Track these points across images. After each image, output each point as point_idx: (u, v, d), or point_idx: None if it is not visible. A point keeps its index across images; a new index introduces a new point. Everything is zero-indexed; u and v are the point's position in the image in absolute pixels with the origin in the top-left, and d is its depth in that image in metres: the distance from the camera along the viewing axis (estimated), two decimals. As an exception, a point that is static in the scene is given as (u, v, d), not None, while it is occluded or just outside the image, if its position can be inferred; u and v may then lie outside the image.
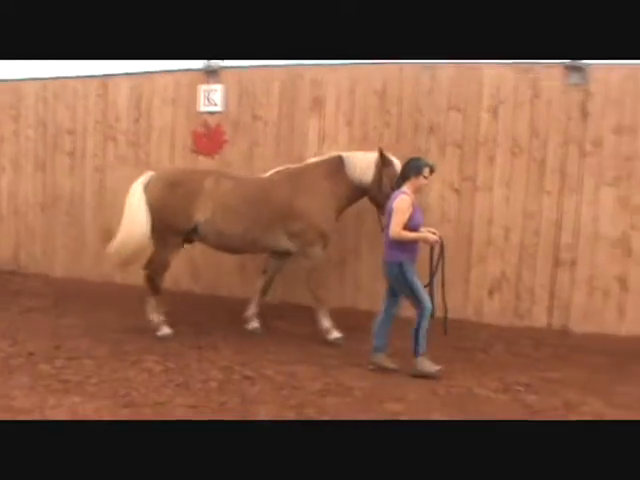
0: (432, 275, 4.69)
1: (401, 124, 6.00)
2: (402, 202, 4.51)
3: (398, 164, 5.24)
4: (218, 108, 6.64)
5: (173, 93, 6.81)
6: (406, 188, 4.63)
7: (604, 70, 5.35)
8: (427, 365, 4.55)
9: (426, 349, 4.54)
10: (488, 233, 5.82)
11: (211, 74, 6.62)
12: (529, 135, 5.66)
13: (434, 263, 4.67)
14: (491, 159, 5.78)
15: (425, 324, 4.51)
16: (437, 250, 4.68)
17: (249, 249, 5.57)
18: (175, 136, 6.82)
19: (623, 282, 5.38)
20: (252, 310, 5.71)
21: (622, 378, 4.59)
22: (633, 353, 5.09)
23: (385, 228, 4.73)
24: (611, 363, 4.92)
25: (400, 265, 4.54)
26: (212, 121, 6.64)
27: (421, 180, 4.62)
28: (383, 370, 4.66)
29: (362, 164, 5.56)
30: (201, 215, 5.35)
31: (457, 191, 5.90)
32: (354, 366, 4.74)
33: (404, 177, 4.67)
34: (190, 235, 5.44)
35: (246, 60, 5.99)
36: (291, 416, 3.71)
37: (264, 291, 5.77)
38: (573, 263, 5.55)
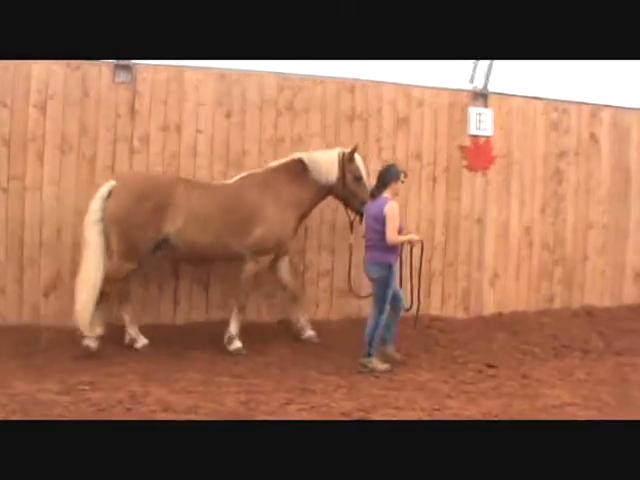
0: (419, 273, 6.73)
1: None
2: (393, 209, 6.38)
3: (360, 160, 7.03)
4: None
5: None
6: (387, 194, 6.49)
7: (151, 70, 7.20)
8: (376, 363, 6.46)
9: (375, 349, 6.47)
10: (40, 233, 6.94)
11: None
12: (79, 132, 7.05)
13: (413, 261, 6.64)
14: (40, 157, 6.95)
15: (379, 329, 6.44)
16: (419, 250, 6.70)
17: (217, 257, 6.81)
18: None
19: (175, 274, 7.33)
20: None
21: (181, 365, 6.26)
22: (187, 340, 6.95)
23: (371, 232, 6.48)
24: (169, 352, 6.62)
25: (390, 266, 6.37)
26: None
27: (398, 185, 6.65)
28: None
29: (326, 163, 6.86)
30: (171, 226, 6.33)
31: (5, 190, 6.87)
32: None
33: (385, 184, 6.52)
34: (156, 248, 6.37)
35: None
36: None
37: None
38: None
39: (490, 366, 6.76)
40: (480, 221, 8.45)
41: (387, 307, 6.47)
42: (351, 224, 7.22)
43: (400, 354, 6.92)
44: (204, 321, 7.35)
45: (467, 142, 8.44)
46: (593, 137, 9.17)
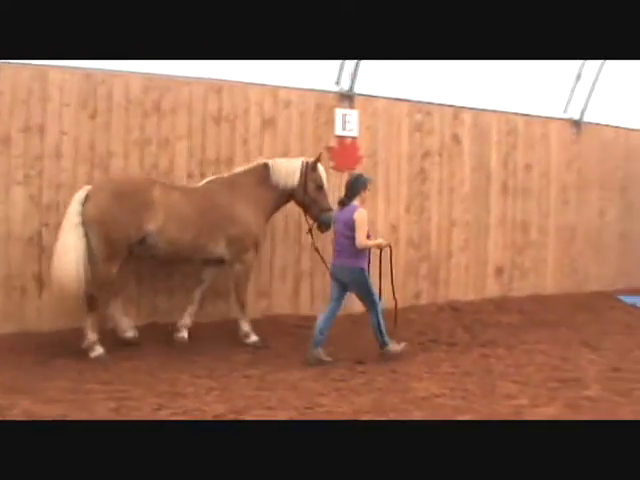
0: (391, 275, 7.69)
1: None
2: (363, 215, 7.24)
3: (322, 169, 8.00)
4: None
5: None
6: (357, 202, 7.35)
7: (13, 70, 7.38)
8: (395, 347, 7.42)
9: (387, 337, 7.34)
10: None
11: None
12: None
13: (384, 263, 7.57)
14: None
15: (381, 320, 7.32)
16: (388, 253, 7.71)
17: (195, 256, 7.60)
18: None
19: (40, 280, 7.59)
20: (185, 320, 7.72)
21: (48, 373, 6.44)
22: (55, 347, 7.17)
23: (341, 238, 7.31)
24: (35, 360, 6.84)
25: (362, 270, 7.26)
26: None
27: (365, 193, 7.51)
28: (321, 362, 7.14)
29: (287, 170, 7.84)
30: (152, 225, 7.04)
31: None
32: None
33: (354, 192, 7.39)
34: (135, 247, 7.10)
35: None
36: None
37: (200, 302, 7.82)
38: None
39: (360, 362, 7.27)
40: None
41: (376, 298, 7.39)
42: (310, 230, 8.11)
43: (272, 354, 7.52)
44: (70, 328, 7.49)
45: (334, 143, 9.17)
46: (455, 138, 10.21)
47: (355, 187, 7.46)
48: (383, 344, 7.43)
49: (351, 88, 9.25)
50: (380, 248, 7.59)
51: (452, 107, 10.26)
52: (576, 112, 11.59)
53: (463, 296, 10.31)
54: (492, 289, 10.69)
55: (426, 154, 9.98)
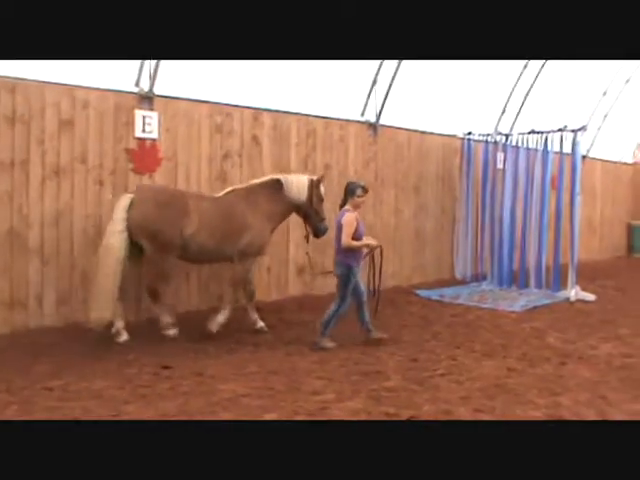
0: (379, 272, 8.95)
1: None
2: (348, 218, 8.36)
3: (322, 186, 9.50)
4: None
5: None
6: (348, 206, 8.51)
7: None
8: (326, 342, 8.48)
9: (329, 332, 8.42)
10: None
11: None
12: None
13: (376, 262, 8.94)
14: None
15: (333, 319, 8.47)
16: (378, 252, 8.99)
17: (215, 258, 9.20)
18: None
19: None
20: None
21: None
22: None
23: (336, 238, 8.49)
24: None
25: (349, 267, 8.39)
26: None
27: (356, 200, 8.56)
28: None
29: (298, 185, 9.34)
30: (189, 230, 8.50)
31: None
32: None
33: (345, 198, 8.59)
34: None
35: None
36: None
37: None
38: None
39: (165, 367, 7.45)
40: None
41: (348, 301, 8.55)
42: (307, 236, 9.63)
43: (77, 363, 7.54)
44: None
45: (133, 145, 9.60)
46: (255, 139, 11.02)
47: (346, 193, 8.72)
48: (321, 334, 8.56)
49: (151, 89, 9.69)
50: (372, 248, 8.92)
51: (252, 109, 11.04)
52: (372, 115, 12.84)
53: (266, 297, 11.10)
54: (295, 288, 11.65)
55: (226, 156, 10.68)
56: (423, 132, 14.12)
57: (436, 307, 11.54)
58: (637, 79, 18.94)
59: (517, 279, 13.85)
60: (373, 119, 12.88)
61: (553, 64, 15.28)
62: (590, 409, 6.25)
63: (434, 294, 12.69)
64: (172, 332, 8.71)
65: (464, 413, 6.08)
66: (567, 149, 13.21)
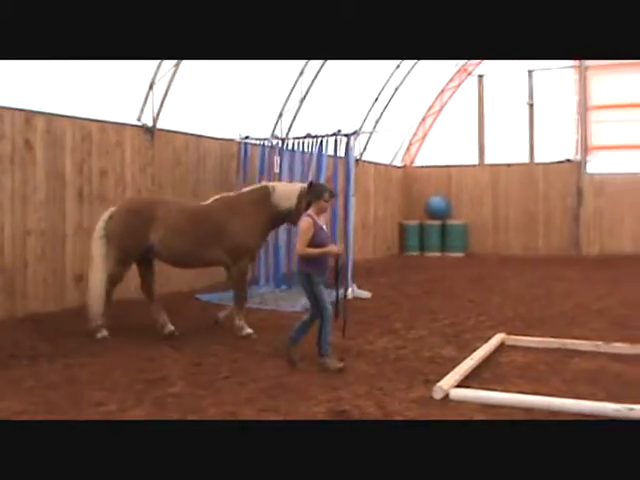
0: (337, 281, 8.32)
1: None
2: (303, 223, 7.84)
3: None
4: None
5: None
6: (310, 211, 7.91)
7: None
8: (331, 362, 7.81)
9: (329, 349, 7.86)
10: None
11: None
12: None
13: (338, 270, 8.32)
14: None
15: (328, 329, 7.87)
16: (340, 260, 8.32)
17: (194, 262, 10.12)
18: None
19: None
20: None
21: None
22: None
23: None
24: None
25: (308, 275, 7.84)
26: None
27: (322, 204, 7.95)
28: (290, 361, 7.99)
29: (288, 194, 9.74)
30: (155, 235, 9.40)
31: None
32: None
33: (309, 202, 8.03)
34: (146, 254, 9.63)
35: None
36: None
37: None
38: None
39: None
40: None
41: (326, 305, 7.87)
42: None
43: None
44: None
45: None
46: (28, 143, 10.83)
47: (309, 196, 8.22)
48: (322, 354, 7.92)
49: None
50: (333, 256, 8.14)
51: (24, 111, 10.83)
52: (150, 119, 13.01)
53: (42, 307, 10.96)
54: (72, 298, 11.49)
55: (-2, 160, 10.38)
56: (200, 136, 14.47)
57: (217, 311, 11.75)
58: (406, 87, 20.45)
59: (292, 279, 14.16)
60: (150, 123, 13.04)
61: (329, 70, 16.14)
62: (368, 400, 6.78)
63: (214, 298, 12.96)
64: (104, 333, 9.48)
65: (250, 414, 6.39)
66: (341, 153, 14.01)
